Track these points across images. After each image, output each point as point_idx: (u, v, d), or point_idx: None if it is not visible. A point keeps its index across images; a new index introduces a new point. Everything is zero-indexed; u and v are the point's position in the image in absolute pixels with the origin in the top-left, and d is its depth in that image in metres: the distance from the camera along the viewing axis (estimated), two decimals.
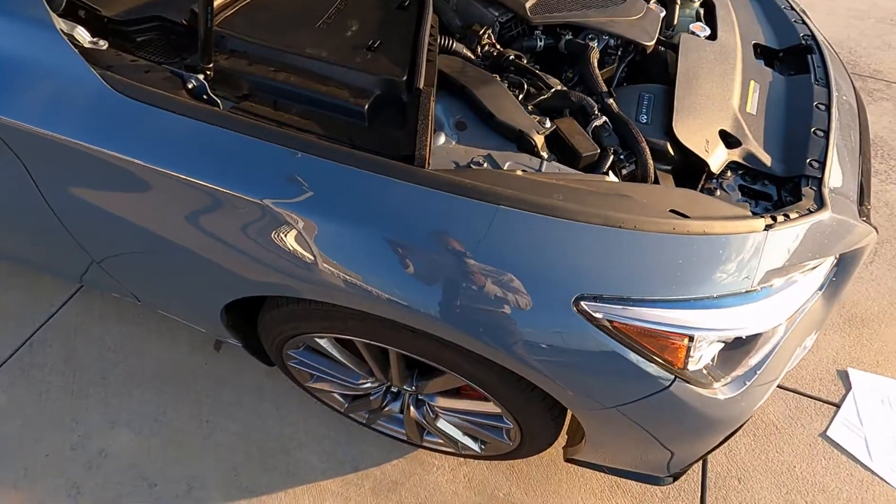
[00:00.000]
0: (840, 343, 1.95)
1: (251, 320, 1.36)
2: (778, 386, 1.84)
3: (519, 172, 0.93)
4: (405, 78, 0.94)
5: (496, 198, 0.83)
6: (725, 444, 1.69)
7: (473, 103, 0.99)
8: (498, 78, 1.07)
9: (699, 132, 1.14)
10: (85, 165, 0.93)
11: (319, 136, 0.89)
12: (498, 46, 1.19)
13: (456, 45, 1.13)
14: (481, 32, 1.16)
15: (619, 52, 1.29)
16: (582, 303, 0.84)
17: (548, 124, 1.02)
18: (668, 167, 1.13)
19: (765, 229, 0.96)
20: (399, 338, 1.00)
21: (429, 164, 0.90)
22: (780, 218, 1.00)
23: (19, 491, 1.54)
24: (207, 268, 1.02)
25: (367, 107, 0.92)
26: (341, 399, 1.52)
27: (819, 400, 1.80)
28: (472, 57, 1.16)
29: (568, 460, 1.35)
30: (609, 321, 0.85)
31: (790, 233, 0.99)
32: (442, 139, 0.97)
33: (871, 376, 1.87)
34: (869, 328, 2.00)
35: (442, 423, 1.38)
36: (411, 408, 1.38)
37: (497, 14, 1.23)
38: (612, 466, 1.31)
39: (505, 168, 0.95)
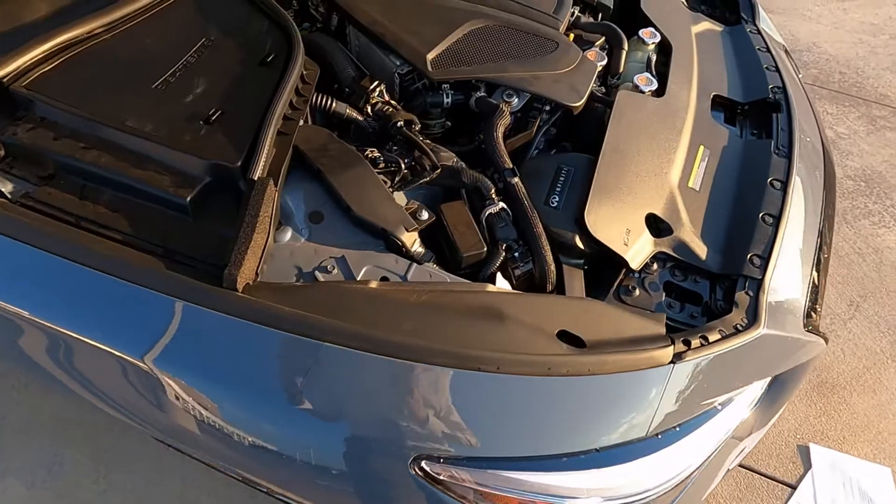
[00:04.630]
0: (805, 413, 1.78)
1: None
2: None
3: (373, 284, 0.77)
4: (240, 163, 0.78)
5: (320, 332, 0.68)
6: None
7: (332, 191, 0.82)
8: (376, 153, 0.91)
9: (618, 220, 0.96)
10: None
11: (124, 236, 0.73)
12: (392, 104, 1.02)
13: (336, 105, 0.96)
14: (370, 88, 0.99)
15: (545, 112, 1.11)
16: (423, 462, 0.69)
17: (424, 216, 0.86)
18: (580, 261, 0.96)
19: (672, 362, 0.80)
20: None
21: (259, 274, 0.74)
22: (696, 342, 0.83)
23: None
24: None
25: (189, 198, 0.76)
26: None
27: (773, 479, 1.65)
28: (360, 118, 0.99)
29: None
30: (453, 484, 0.70)
31: (706, 362, 0.83)
32: (288, 235, 0.81)
33: (835, 454, 1.71)
34: (839, 396, 1.83)
35: None
36: None
37: (398, 64, 1.05)
38: None
39: (360, 276, 0.79)
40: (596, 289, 0.99)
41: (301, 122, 0.88)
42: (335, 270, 0.79)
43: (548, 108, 1.12)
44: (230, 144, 0.79)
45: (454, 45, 1.04)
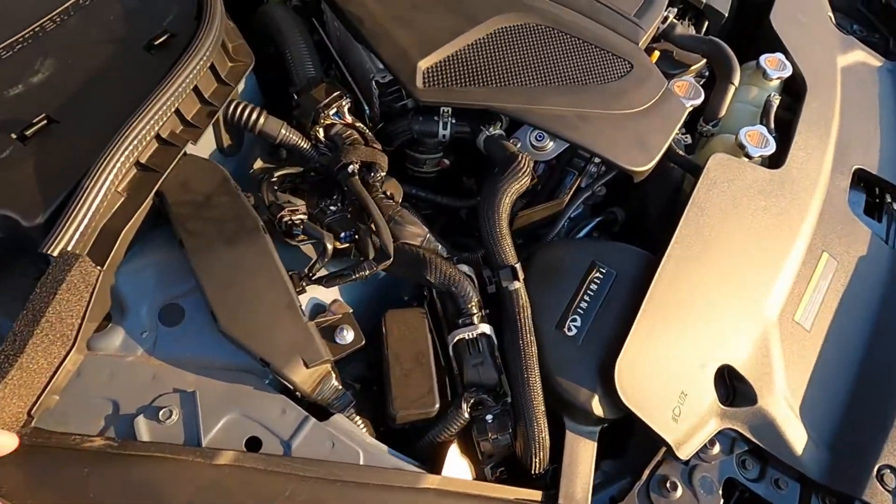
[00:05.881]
0: None
1: None
2: None
3: (225, 457, 0.46)
4: (44, 220, 0.47)
5: None
6: None
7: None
8: (297, 214, 0.57)
9: (672, 374, 0.60)
10: None
11: None
12: (358, 128, 0.67)
13: (266, 122, 0.63)
14: (324, 102, 0.65)
15: (592, 165, 0.74)
16: None
17: (347, 337, 0.52)
18: (595, 428, 0.61)
19: None
20: None
21: (34, 416, 0.44)
22: None
23: None
24: None
25: None
26: None
27: None
28: (303, 144, 0.65)
29: None
30: None
31: None
32: (117, 341, 0.50)
33: None
34: None
35: None
36: None
37: (378, 68, 0.70)
38: None
39: (212, 433, 0.47)
40: (612, 455, 0.64)
41: (188, 149, 0.56)
42: (173, 418, 0.48)
43: (597, 160, 0.74)
44: (40, 184, 0.48)
45: (467, 51, 0.68)
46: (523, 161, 0.64)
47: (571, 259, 0.66)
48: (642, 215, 0.82)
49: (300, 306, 0.51)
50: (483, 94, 0.66)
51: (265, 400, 0.50)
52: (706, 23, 0.93)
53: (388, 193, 0.66)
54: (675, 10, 0.88)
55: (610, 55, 0.73)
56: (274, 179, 0.64)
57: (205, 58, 0.57)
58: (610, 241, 0.74)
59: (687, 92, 0.79)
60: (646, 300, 0.61)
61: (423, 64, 0.65)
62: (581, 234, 0.79)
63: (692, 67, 0.86)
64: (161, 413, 0.48)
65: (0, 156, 0.49)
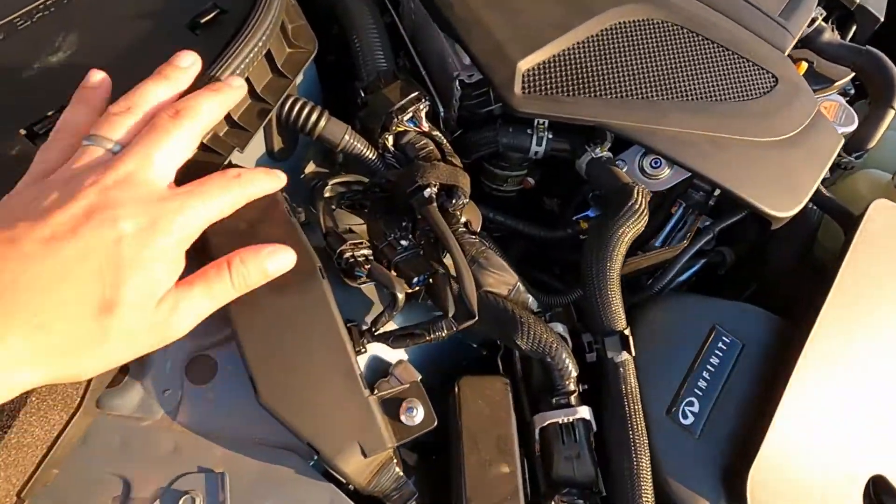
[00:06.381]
0: None
1: None
2: None
3: None
4: None
5: None
6: None
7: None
8: (360, 249, 0.46)
9: (812, 490, 0.47)
10: None
11: None
12: (435, 137, 0.55)
13: (328, 124, 0.51)
14: (398, 105, 0.53)
15: (711, 198, 0.60)
16: None
17: (417, 417, 0.41)
18: None
19: None
20: None
21: (24, 498, 0.35)
22: None
23: None
24: None
25: None
26: None
27: None
28: (369, 154, 0.54)
29: None
30: None
31: None
32: (135, 399, 0.40)
33: None
34: None
35: None
36: None
37: (465, 65, 0.57)
38: None
39: None
40: None
41: (233, 157, 0.45)
42: (198, 501, 0.38)
43: (717, 192, 0.61)
44: None
45: (576, 51, 0.55)
46: (640, 197, 0.51)
47: (686, 321, 0.53)
48: (757, 259, 0.68)
49: (360, 374, 0.40)
50: (596, 108, 0.53)
51: (309, 488, 0.40)
52: (853, 28, 0.77)
53: (466, 222, 0.54)
54: (823, 11, 0.72)
55: (751, 65, 0.58)
56: (328, 193, 0.53)
57: (261, 42, 0.46)
58: (727, 299, 0.60)
59: (837, 116, 0.64)
60: (788, 387, 0.48)
61: (524, 65, 0.53)
62: (682, 278, 0.66)
63: (836, 82, 0.71)
64: (181, 502, 0.38)
65: (4, 155, 0.39)
